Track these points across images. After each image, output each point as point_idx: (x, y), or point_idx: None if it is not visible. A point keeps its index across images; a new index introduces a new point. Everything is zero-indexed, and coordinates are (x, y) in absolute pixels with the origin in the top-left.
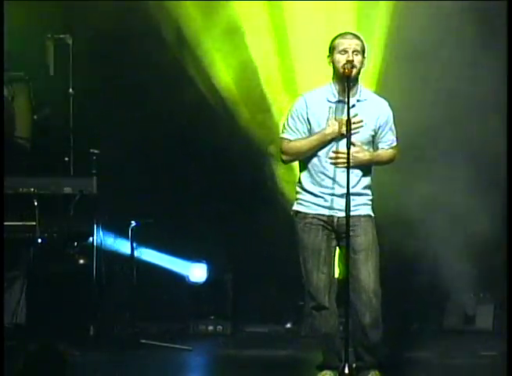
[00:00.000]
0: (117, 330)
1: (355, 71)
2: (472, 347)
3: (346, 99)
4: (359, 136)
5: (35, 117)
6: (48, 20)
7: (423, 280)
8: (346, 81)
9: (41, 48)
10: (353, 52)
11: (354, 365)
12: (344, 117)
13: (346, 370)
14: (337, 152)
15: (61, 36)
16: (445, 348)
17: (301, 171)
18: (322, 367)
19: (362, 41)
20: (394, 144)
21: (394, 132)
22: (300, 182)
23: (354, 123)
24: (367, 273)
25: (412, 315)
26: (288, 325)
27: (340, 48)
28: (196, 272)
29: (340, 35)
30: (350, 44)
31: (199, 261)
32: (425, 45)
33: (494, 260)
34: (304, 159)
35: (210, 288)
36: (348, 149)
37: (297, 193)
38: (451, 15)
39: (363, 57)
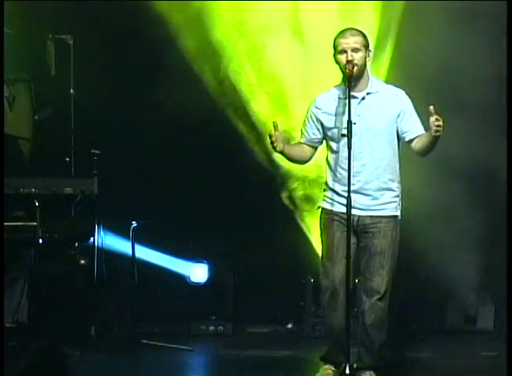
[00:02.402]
0: (118, 330)
1: (356, 69)
2: (473, 347)
3: (356, 94)
4: (377, 127)
5: (36, 117)
6: (48, 20)
7: (424, 280)
8: (348, 80)
9: (41, 49)
10: (352, 50)
11: (355, 365)
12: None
13: (347, 370)
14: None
15: (62, 36)
16: (446, 349)
17: (326, 170)
18: (326, 359)
19: (361, 36)
20: (423, 131)
21: (419, 120)
22: (326, 180)
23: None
24: (380, 278)
25: (413, 315)
26: (289, 325)
27: (339, 48)
28: (197, 272)
29: (340, 34)
30: (348, 43)
31: (200, 261)
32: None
33: (495, 260)
34: (328, 158)
35: (211, 288)
36: (349, 149)
37: (324, 190)
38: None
39: (367, 51)
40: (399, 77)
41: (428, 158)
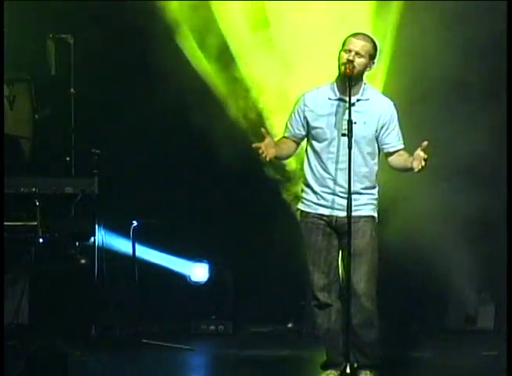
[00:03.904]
0: (119, 330)
1: (355, 72)
2: (473, 347)
3: (346, 98)
4: (361, 134)
5: (36, 116)
6: (48, 20)
7: (424, 279)
8: (347, 80)
9: (42, 48)
10: (356, 53)
11: (355, 365)
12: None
13: (347, 370)
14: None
15: (62, 36)
16: (446, 349)
17: (306, 169)
18: (327, 366)
19: (371, 43)
20: (402, 146)
21: (400, 134)
22: (305, 179)
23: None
24: (359, 277)
25: (412, 315)
26: (290, 324)
27: (346, 46)
28: (198, 271)
29: (353, 34)
30: (356, 45)
31: (200, 260)
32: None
33: (495, 259)
34: (308, 158)
35: (212, 288)
36: (350, 149)
37: (302, 191)
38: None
39: (370, 60)
40: (397, 77)
41: (434, 160)
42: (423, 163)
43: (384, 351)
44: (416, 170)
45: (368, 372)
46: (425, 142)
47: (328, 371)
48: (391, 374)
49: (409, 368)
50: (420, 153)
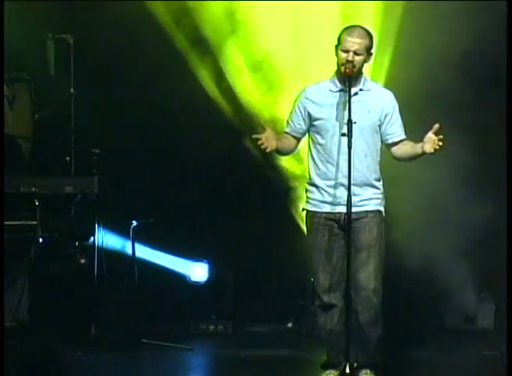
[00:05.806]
0: (118, 329)
1: (355, 71)
2: (473, 347)
3: (347, 91)
4: (365, 123)
5: (36, 116)
6: (48, 20)
7: (424, 279)
8: (346, 79)
9: (42, 48)
10: (354, 52)
11: (355, 364)
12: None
13: (347, 370)
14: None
15: (62, 35)
16: (446, 348)
17: (310, 166)
18: (327, 366)
19: (368, 39)
20: (404, 137)
21: (402, 125)
22: (309, 178)
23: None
24: (367, 273)
25: (412, 314)
26: (289, 324)
27: (343, 46)
28: (197, 271)
29: (347, 31)
30: (353, 44)
31: (200, 260)
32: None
33: (495, 259)
34: (312, 154)
35: (212, 288)
36: (349, 149)
37: (306, 190)
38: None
39: (368, 54)
40: (399, 76)
41: (434, 157)
42: (440, 143)
43: (384, 351)
44: (431, 152)
45: (368, 371)
46: (437, 125)
47: (328, 371)
48: (391, 374)
49: (408, 368)
50: (431, 135)
